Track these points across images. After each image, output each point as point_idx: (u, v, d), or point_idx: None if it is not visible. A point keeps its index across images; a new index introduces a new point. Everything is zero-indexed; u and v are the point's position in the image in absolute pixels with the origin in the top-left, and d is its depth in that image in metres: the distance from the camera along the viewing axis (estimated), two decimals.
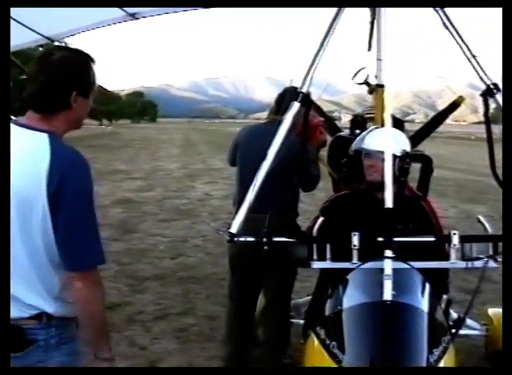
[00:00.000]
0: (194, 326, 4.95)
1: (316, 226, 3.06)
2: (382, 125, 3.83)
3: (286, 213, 3.72)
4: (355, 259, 2.78)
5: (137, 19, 5.04)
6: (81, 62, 2.01)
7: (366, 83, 3.83)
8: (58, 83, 1.94)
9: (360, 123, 4.15)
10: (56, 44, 5.13)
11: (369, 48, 3.93)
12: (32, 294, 1.98)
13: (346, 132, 4.25)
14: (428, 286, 2.57)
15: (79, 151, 1.98)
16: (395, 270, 2.49)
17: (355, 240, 2.78)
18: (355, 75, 3.92)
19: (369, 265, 2.60)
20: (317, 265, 2.92)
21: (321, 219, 3.09)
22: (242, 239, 2.98)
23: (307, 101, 3.16)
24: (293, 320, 4.07)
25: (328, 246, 2.90)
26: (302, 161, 3.35)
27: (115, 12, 4.63)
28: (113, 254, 7.52)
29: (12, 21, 4.20)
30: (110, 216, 10.66)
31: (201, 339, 4.64)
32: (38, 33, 4.98)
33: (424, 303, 2.47)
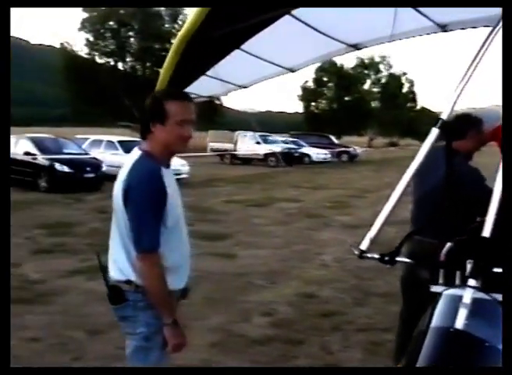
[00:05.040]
0: (390, 342, 5.08)
1: (445, 248, 3.07)
2: None
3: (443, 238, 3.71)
4: None
5: (359, 49, 5.39)
6: (158, 100, 2.69)
7: None
8: (144, 117, 2.72)
9: None
10: None
11: None
12: (124, 264, 2.71)
13: None
14: None
15: (149, 168, 2.64)
16: (478, 301, 2.47)
17: (468, 268, 2.77)
18: None
19: (451, 292, 2.60)
20: (434, 289, 2.95)
21: (449, 243, 3.09)
22: (369, 255, 3.20)
23: (446, 127, 3.20)
24: None
25: (458, 272, 2.92)
26: (449, 186, 3.36)
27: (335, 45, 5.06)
28: (359, 269, 7.94)
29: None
30: (382, 235, 11.03)
31: (389, 354, 4.77)
32: (278, 65, 5.65)
33: (497, 338, 2.38)
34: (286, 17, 4.07)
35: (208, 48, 4.12)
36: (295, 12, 4.02)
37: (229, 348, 5.00)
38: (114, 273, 2.75)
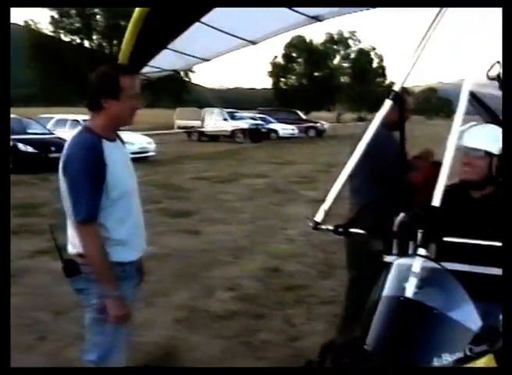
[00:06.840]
0: None
1: (398, 219, 3.11)
2: None
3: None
4: None
5: (320, 20, 5.34)
6: (111, 74, 2.67)
7: (498, 78, 3.65)
8: (92, 91, 2.68)
9: None
10: None
11: None
12: (74, 237, 2.72)
13: None
14: (461, 290, 2.50)
15: (86, 141, 2.67)
16: (428, 270, 2.50)
17: (419, 237, 2.81)
18: (489, 69, 3.75)
19: (402, 261, 2.64)
20: (387, 259, 3.00)
21: (402, 214, 3.13)
22: (323, 227, 3.23)
23: (399, 99, 3.23)
24: None
25: (410, 242, 2.97)
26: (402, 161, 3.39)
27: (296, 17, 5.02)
28: (325, 243, 7.92)
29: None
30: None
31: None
32: (239, 37, 5.58)
33: (446, 306, 2.43)
34: None
35: (167, 22, 4.05)
36: None
37: (194, 323, 5.02)
38: (69, 247, 2.76)
